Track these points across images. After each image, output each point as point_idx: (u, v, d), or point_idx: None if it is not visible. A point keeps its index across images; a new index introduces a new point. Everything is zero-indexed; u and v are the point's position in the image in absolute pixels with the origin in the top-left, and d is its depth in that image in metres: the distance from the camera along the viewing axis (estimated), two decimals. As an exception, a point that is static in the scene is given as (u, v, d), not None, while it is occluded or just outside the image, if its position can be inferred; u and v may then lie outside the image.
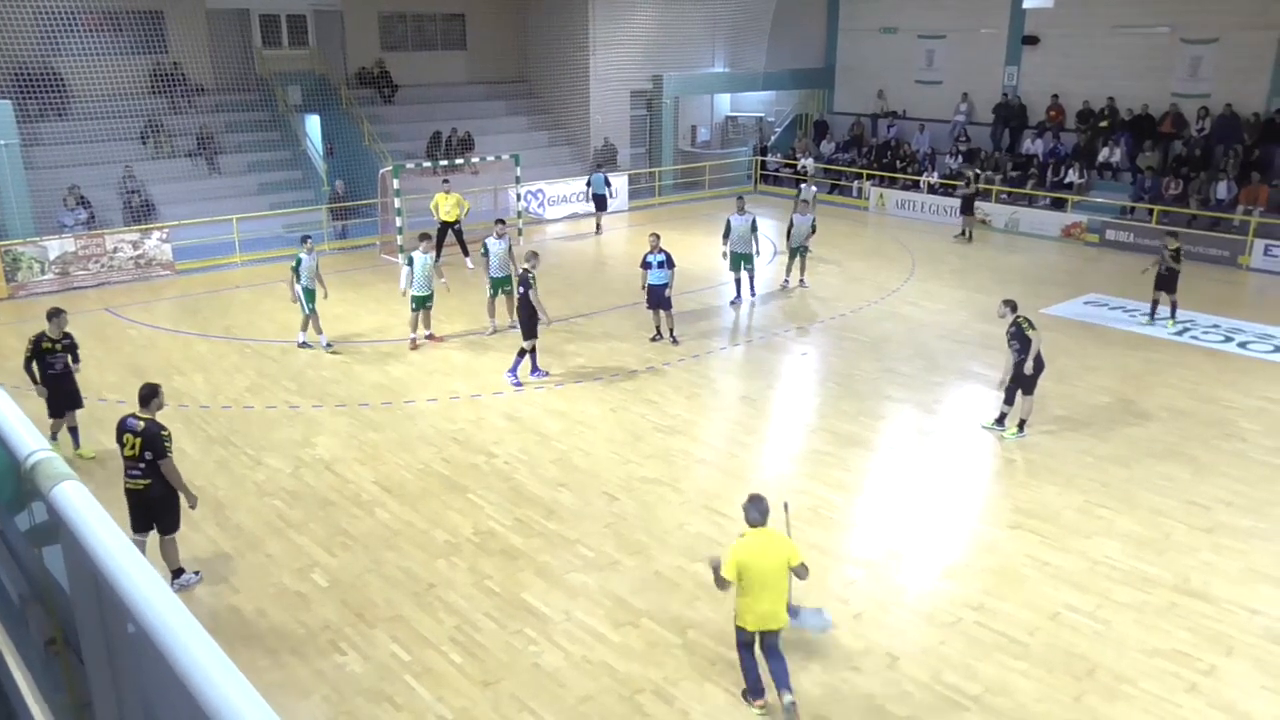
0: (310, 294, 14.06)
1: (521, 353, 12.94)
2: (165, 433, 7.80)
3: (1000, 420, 11.52)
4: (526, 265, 12.93)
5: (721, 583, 6.48)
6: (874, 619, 7.81)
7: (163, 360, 13.97)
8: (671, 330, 14.66)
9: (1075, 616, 7.83)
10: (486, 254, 14.98)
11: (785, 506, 7.53)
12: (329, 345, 14.25)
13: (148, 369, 13.49)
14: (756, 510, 6.53)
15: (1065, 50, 24.76)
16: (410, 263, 14.18)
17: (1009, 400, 11.44)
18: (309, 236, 14.47)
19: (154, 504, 7.88)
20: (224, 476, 10.31)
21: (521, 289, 12.69)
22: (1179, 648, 7.43)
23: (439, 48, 27.13)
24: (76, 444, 10.64)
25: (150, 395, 7.92)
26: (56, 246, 17.61)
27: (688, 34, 27.88)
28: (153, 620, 1.69)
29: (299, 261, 13.89)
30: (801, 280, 17.94)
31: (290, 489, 10.05)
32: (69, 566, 2.18)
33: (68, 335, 10.40)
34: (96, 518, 1.97)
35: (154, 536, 8.06)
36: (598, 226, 23.36)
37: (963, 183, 22.78)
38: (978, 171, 23.12)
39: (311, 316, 14.14)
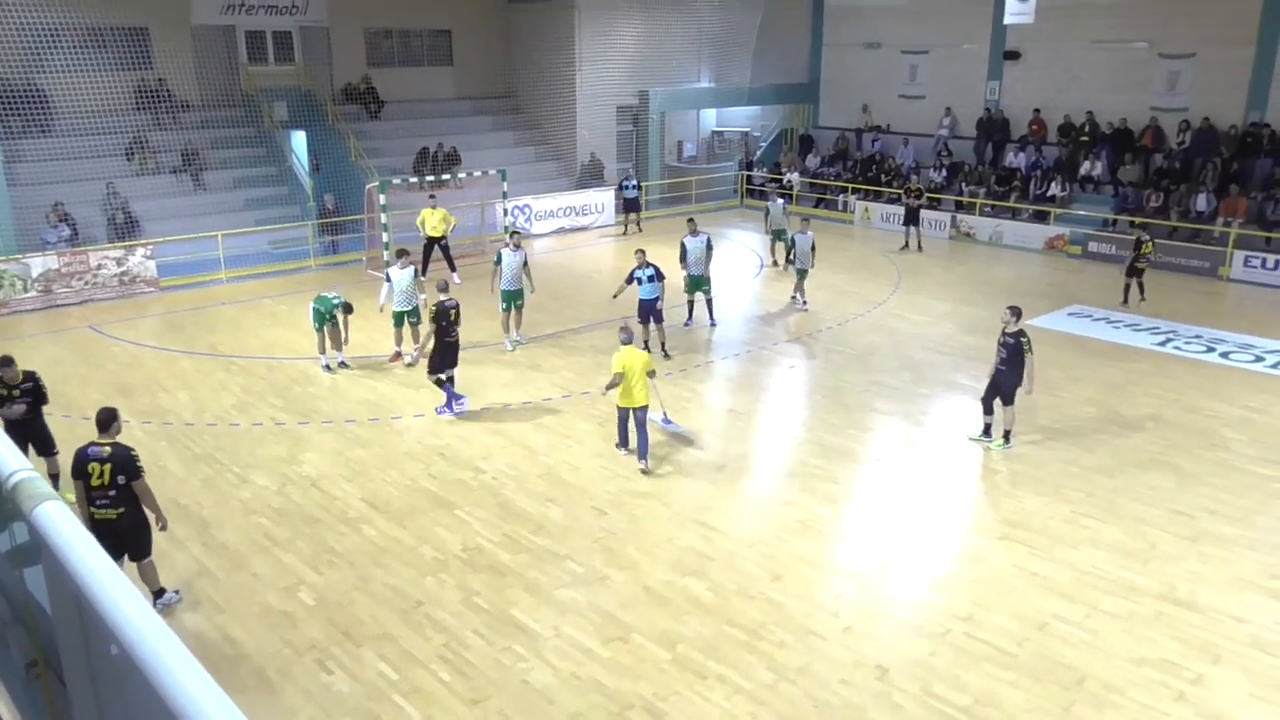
0: (321, 317, 13.89)
1: (448, 381, 12.33)
2: (134, 453, 7.53)
3: (986, 431, 11.57)
4: (443, 298, 12.33)
5: (615, 379, 10.53)
6: (863, 631, 7.80)
7: (147, 378, 13.87)
8: (663, 344, 14.59)
9: (1063, 626, 7.85)
10: (499, 263, 15.01)
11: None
12: (328, 366, 14.15)
13: (132, 387, 13.41)
14: (626, 334, 10.94)
15: (1046, 65, 25.03)
16: (389, 279, 14.19)
17: (988, 410, 11.50)
18: (346, 303, 14.10)
19: (126, 533, 7.56)
20: (209, 495, 10.23)
21: (443, 323, 12.11)
22: (1167, 657, 7.45)
23: (425, 64, 27.19)
24: (55, 488, 10.20)
25: (110, 419, 7.61)
26: (39, 264, 17.50)
27: (673, 50, 28.06)
28: (136, 641, 1.68)
29: (324, 304, 13.82)
30: (803, 302, 17.68)
31: (276, 507, 9.98)
32: (50, 588, 2.16)
33: (30, 377, 9.51)
34: (78, 538, 1.95)
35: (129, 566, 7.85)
36: (627, 227, 24.48)
37: (913, 195, 22.87)
38: (920, 188, 23.35)
39: (330, 334, 14.01)
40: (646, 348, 14.56)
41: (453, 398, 12.38)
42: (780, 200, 21.04)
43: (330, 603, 8.22)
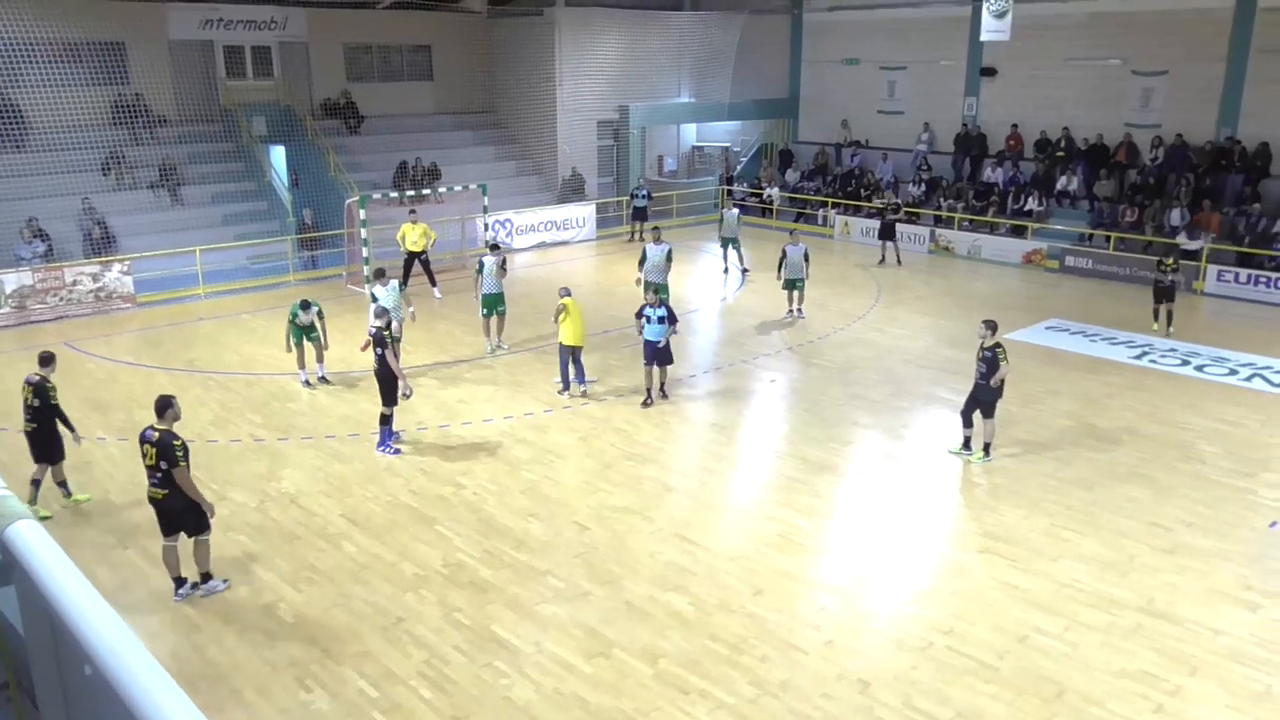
0: (299, 331, 13.77)
1: (384, 419, 11.65)
2: (178, 443, 8.03)
3: (966, 444, 11.64)
4: (379, 324, 11.56)
5: (558, 316, 13.01)
6: (845, 645, 7.81)
7: (123, 394, 13.73)
8: (662, 385, 13.45)
9: (1044, 639, 7.89)
10: (481, 271, 15.19)
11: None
12: (307, 381, 14.05)
13: (108, 403, 13.27)
14: (566, 291, 13.19)
15: (1022, 82, 25.34)
16: (375, 299, 13.86)
17: (967, 424, 11.58)
18: (310, 303, 13.81)
19: (175, 511, 8.20)
20: (186, 512, 10.10)
21: (378, 351, 11.38)
22: (1145, 668, 7.50)
23: (405, 78, 27.19)
24: (34, 500, 9.90)
25: (165, 406, 8.16)
26: (13, 280, 17.31)
27: (653, 65, 28.20)
28: (110, 662, 1.66)
29: (295, 315, 13.61)
30: (799, 311, 17.81)
31: (255, 523, 9.89)
32: (23, 608, 2.13)
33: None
34: (52, 557, 1.93)
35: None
36: (633, 235, 25.06)
37: (889, 209, 23.09)
38: (898, 202, 23.62)
39: (316, 347, 13.94)
40: (649, 395, 13.37)
41: (388, 435, 11.82)
42: (735, 210, 21.62)
43: (310, 620, 8.14)
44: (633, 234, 25.18)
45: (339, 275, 20.73)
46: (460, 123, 27.67)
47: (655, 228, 17.78)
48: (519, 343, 16.13)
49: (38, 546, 1.98)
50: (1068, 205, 23.98)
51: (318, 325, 13.85)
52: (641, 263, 16.54)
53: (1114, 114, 23.73)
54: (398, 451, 11.67)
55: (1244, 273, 19.91)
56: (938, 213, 25.14)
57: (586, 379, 13.69)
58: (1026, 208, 24.00)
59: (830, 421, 12.84)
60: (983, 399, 11.32)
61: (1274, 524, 9.94)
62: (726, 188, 29.13)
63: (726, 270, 21.53)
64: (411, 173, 24.41)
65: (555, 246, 24.49)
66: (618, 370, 14.71)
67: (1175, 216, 21.73)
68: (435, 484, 10.83)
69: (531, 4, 26.98)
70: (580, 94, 26.91)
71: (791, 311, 17.94)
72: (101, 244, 19.49)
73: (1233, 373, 15.00)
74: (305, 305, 13.68)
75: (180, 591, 8.44)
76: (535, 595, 8.52)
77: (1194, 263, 20.23)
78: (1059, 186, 24.07)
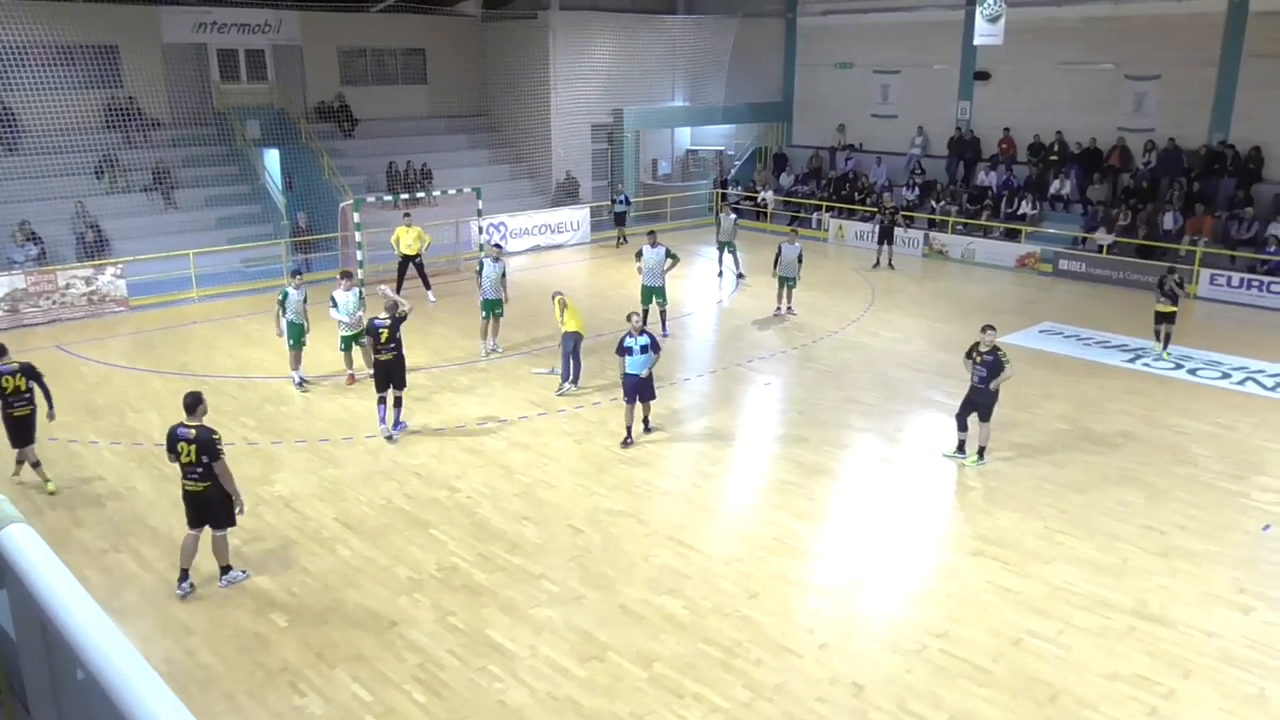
0: (297, 329, 13.76)
1: (381, 402, 12.08)
2: (217, 436, 8.34)
3: (961, 448, 11.65)
4: (384, 317, 11.83)
5: (561, 311, 13.30)
6: (839, 648, 7.81)
7: (116, 398, 13.69)
8: (646, 419, 12.29)
9: (1037, 642, 7.89)
10: (481, 272, 15.25)
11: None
12: (301, 384, 14.01)
13: (100, 407, 13.23)
14: (558, 294, 13.45)
15: (1015, 86, 25.42)
16: (334, 303, 13.73)
17: (962, 427, 11.59)
18: (299, 271, 14.22)
19: (210, 504, 8.43)
20: (180, 516, 10.03)
21: (398, 336, 11.85)
22: (1139, 671, 7.51)
23: (399, 82, 27.17)
24: (47, 478, 10.67)
25: (195, 403, 8.39)
26: (6, 283, 17.24)
27: (648, 68, 28.23)
28: (102, 666, 1.65)
29: (285, 295, 13.59)
30: (790, 309, 18.29)
31: (249, 527, 9.84)
32: (15, 612, 2.12)
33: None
34: (44, 561, 1.92)
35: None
36: (619, 239, 25.18)
37: (888, 213, 23.17)
38: (896, 205, 23.73)
39: (296, 350, 13.91)
40: (629, 435, 12.06)
41: (383, 420, 12.09)
42: (733, 215, 21.78)
43: (303, 624, 8.12)
44: (619, 239, 25.16)
45: (333, 278, 20.65)
46: (454, 126, 27.67)
47: (651, 231, 17.80)
48: (513, 346, 16.12)
49: (29, 550, 1.97)
50: (1061, 209, 24.06)
51: (307, 318, 13.84)
52: (639, 255, 16.49)
53: (1107, 118, 23.81)
54: (398, 426, 12.20)
55: (1236, 276, 19.99)
56: (931, 216, 25.20)
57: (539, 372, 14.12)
58: (1020, 211, 24.07)
59: (825, 425, 12.85)
60: (980, 402, 11.33)
61: (1267, 527, 9.98)
62: (721, 191, 29.18)
63: (721, 274, 21.67)
64: (402, 176, 24.39)
65: (549, 250, 24.48)
66: (612, 373, 14.69)
67: (1168, 220, 21.81)
68: (429, 487, 10.81)
69: (525, 7, 27.01)
70: (574, 97, 26.93)
71: (780, 309, 18.30)
72: (94, 247, 19.43)
73: (1226, 376, 15.04)
74: (295, 273, 13.78)
75: (183, 585, 8.50)
76: (529, 599, 8.51)
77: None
78: (1052, 190, 24.14)
